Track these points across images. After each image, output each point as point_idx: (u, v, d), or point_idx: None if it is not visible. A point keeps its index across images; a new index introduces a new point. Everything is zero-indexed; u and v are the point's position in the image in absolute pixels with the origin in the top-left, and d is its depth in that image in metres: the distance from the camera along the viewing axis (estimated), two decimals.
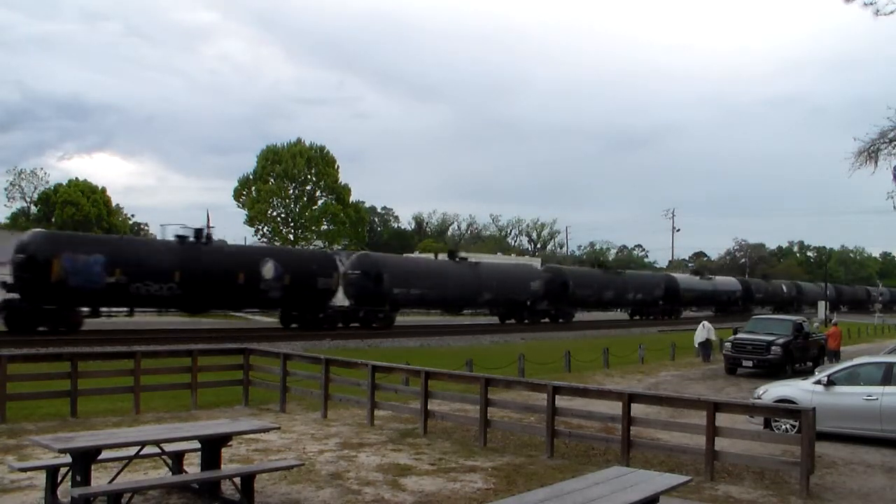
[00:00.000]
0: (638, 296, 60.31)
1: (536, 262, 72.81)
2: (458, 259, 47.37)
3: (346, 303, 39.66)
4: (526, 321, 48.73)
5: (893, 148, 18.39)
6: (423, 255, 64.72)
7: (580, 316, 56.74)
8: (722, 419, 10.12)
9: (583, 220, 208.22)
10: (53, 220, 64.38)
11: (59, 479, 7.47)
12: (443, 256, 53.00)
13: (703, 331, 27.95)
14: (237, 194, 72.73)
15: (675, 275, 67.68)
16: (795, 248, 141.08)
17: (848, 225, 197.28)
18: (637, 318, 61.29)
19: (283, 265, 35.16)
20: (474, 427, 11.65)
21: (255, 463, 9.49)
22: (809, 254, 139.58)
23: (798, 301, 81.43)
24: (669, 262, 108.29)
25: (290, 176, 70.83)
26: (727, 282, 73.90)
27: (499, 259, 70.67)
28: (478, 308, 52.03)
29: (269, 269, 34.44)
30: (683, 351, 28.67)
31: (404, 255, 62.66)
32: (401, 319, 43.18)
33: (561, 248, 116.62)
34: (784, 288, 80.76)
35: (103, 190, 71.15)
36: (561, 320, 52.04)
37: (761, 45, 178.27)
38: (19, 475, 8.33)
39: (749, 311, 66.34)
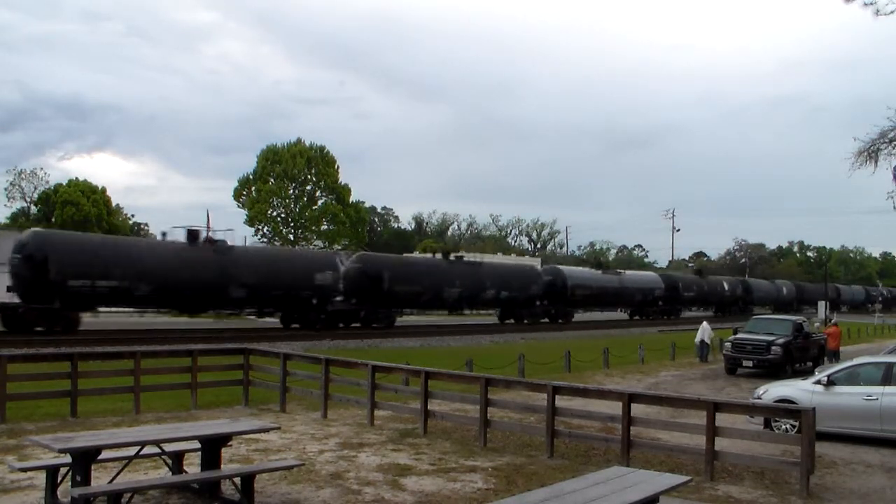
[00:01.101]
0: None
1: (536, 262, 72.81)
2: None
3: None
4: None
5: (893, 148, 18.37)
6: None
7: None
8: (722, 419, 10.12)
9: (583, 220, 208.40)
10: (53, 220, 64.36)
11: (59, 479, 7.47)
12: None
13: (702, 331, 28.12)
14: (237, 194, 72.79)
15: (563, 267, 57.34)
16: (795, 248, 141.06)
17: (848, 225, 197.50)
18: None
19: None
20: (474, 427, 11.65)
21: (255, 463, 9.50)
22: (809, 254, 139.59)
23: (745, 301, 74.03)
24: (669, 262, 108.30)
25: (290, 176, 70.88)
26: (644, 278, 64.62)
27: (499, 259, 70.55)
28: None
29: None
30: (683, 351, 28.69)
31: (403, 255, 62.55)
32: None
33: (561, 248, 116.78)
34: (726, 285, 72.50)
35: (103, 190, 71.14)
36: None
37: (762, 45, 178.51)
38: (19, 475, 8.33)
39: (676, 312, 63.83)
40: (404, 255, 63.20)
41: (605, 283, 56.93)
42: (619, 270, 64.15)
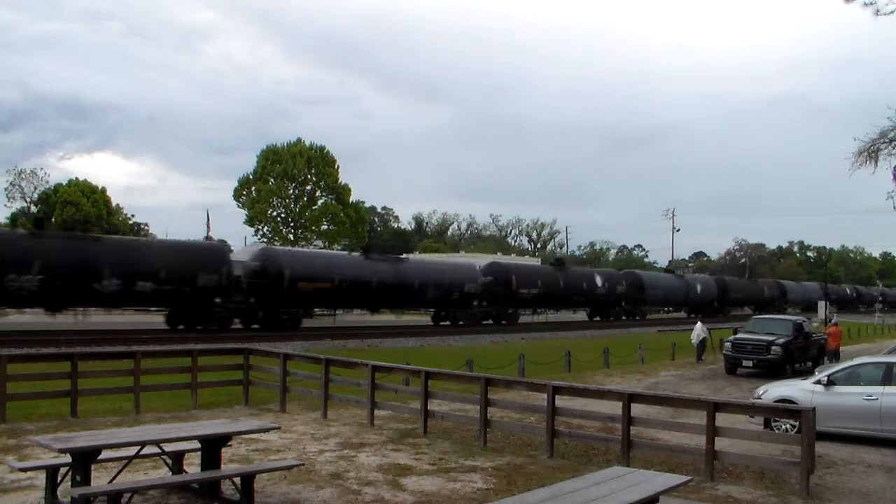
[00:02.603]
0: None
1: (537, 262, 72.28)
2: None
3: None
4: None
5: (893, 148, 18.37)
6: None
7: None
8: (722, 419, 10.11)
9: (583, 220, 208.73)
10: (53, 220, 64.36)
11: (59, 479, 7.46)
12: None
13: (698, 331, 28.22)
14: (237, 194, 72.75)
15: (510, 263, 55.24)
16: (795, 248, 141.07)
17: (848, 225, 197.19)
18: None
19: None
20: (474, 427, 11.64)
21: (255, 463, 9.49)
22: (809, 254, 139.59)
23: (690, 301, 66.70)
24: (669, 262, 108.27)
25: (290, 176, 70.85)
26: (591, 272, 57.49)
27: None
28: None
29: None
30: (683, 351, 28.69)
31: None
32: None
33: (561, 248, 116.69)
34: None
35: (103, 190, 71.19)
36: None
37: (762, 45, 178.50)
38: (19, 475, 8.33)
39: (638, 313, 58.75)
40: (317, 250, 58.32)
41: (558, 282, 50.39)
42: (580, 268, 60.99)
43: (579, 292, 52.58)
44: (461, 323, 44.02)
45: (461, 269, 47.11)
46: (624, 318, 56.81)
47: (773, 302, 73.83)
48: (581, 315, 60.22)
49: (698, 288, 66.30)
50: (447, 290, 43.51)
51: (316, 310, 40.82)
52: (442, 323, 44.69)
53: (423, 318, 50.71)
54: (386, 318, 52.52)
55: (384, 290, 40.25)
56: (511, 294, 46.25)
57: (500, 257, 74.11)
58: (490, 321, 46.22)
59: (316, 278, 36.63)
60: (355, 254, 45.22)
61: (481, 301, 46.07)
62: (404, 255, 48.32)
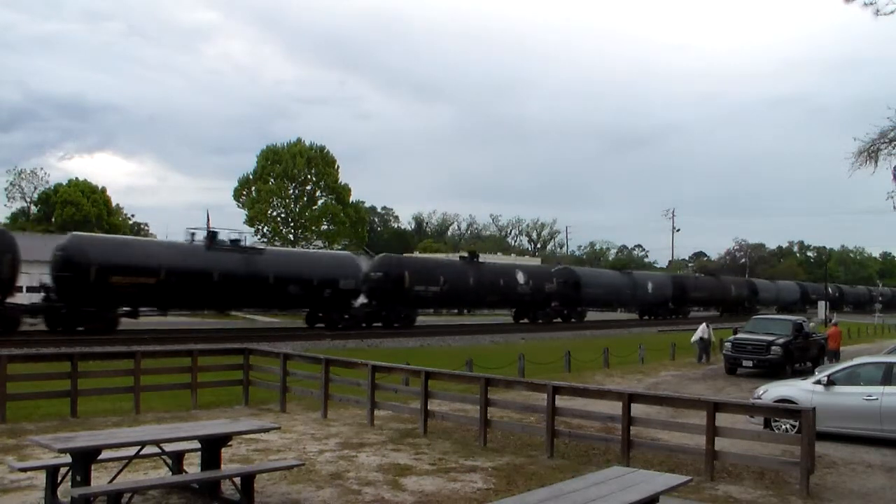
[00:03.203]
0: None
1: (537, 262, 72.50)
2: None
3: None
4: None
5: (893, 148, 18.37)
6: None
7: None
8: (722, 419, 10.11)
9: (583, 220, 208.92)
10: (53, 220, 64.38)
11: (59, 479, 7.46)
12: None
13: (700, 331, 28.12)
14: (237, 194, 72.71)
15: (403, 258, 50.15)
16: (795, 249, 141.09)
17: (848, 225, 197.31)
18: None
19: None
20: (474, 427, 11.64)
21: (255, 463, 9.49)
22: (809, 254, 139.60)
23: (640, 301, 61.72)
24: (669, 262, 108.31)
25: (290, 176, 70.79)
26: (508, 266, 52.85)
27: (511, 260, 68.86)
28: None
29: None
30: (683, 351, 28.68)
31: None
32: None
33: (561, 248, 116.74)
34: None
35: (103, 190, 71.28)
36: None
37: (762, 45, 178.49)
38: (19, 475, 8.33)
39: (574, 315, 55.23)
40: (127, 236, 51.24)
41: (467, 278, 45.46)
42: (499, 263, 57.65)
43: (495, 290, 46.85)
44: (340, 326, 38.14)
45: (336, 263, 40.87)
46: (557, 319, 51.43)
47: (741, 302, 70.90)
48: (505, 317, 54.25)
49: (649, 286, 60.90)
50: (316, 286, 37.60)
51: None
52: (317, 325, 38.81)
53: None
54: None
55: (230, 286, 34.06)
56: (404, 292, 40.69)
57: (499, 257, 74.31)
58: (380, 323, 40.21)
59: (135, 272, 31.41)
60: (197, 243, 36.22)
61: (370, 300, 41.31)
62: (262, 247, 42.75)
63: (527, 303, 49.90)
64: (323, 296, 37.93)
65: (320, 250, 55.17)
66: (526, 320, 50.15)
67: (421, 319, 44.22)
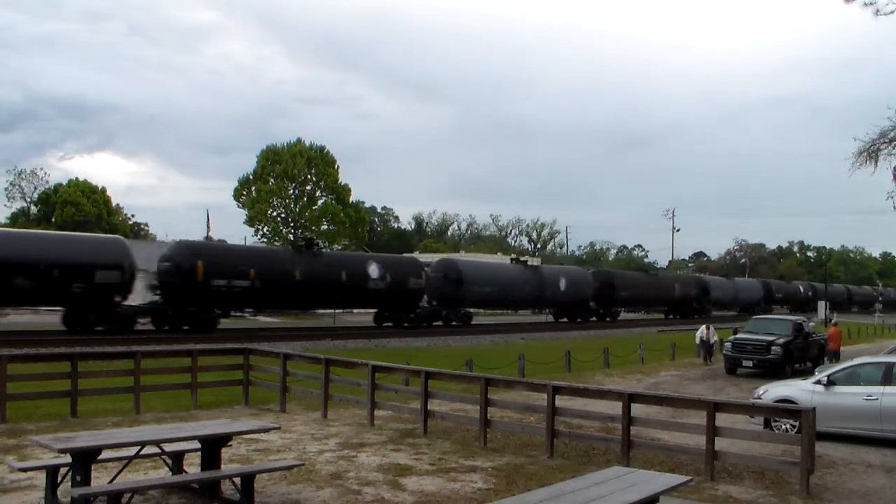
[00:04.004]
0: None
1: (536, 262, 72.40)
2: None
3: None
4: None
5: (893, 148, 18.37)
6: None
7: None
8: (722, 419, 10.12)
9: (583, 220, 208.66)
10: (53, 220, 64.39)
11: (59, 479, 7.46)
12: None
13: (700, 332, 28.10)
14: (237, 194, 72.69)
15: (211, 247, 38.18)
16: (795, 249, 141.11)
17: (848, 225, 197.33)
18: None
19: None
20: (474, 427, 11.64)
21: (255, 463, 9.49)
22: (809, 254, 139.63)
23: (549, 300, 52.33)
24: (669, 262, 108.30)
25: (290, 176, 70.77)
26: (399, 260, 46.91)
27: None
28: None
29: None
30: (683, 351, 28.68)
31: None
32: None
33: (561, 248, 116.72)
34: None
35: (103, 190, 71.34)
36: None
37: (762, 45, 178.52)
38: (19, 475, 8.33)
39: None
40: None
41: (291, 272, 36.12)
42: (345, 253, 54.46)
43: (333, 285, 37.95)
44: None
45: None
46: (428, 324, 42.04)
47: (688, 303, 65.93)
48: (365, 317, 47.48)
49: (562, 283, 50.87)
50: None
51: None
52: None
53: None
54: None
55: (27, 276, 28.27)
56: (196, 286, 32.38)
57: (501, 256, 74.41)
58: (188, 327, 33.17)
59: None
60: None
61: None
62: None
63: (383, 301, 41.36)
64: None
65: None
66: (389, 323, 41.81)
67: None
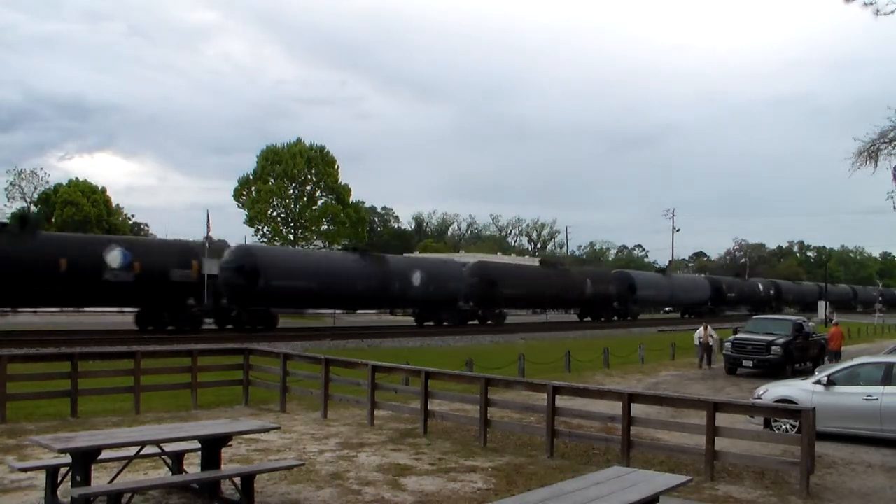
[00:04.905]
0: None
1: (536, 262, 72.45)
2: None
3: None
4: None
5: (893, 148, 18.39)
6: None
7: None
8: (722, 419, 10.11)
9: (583, 220, 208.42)
10: (53, 220, 64.36)
11: (59, 479, 7.46)
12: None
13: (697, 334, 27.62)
14: (237, 194, 72.67)
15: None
16: (795, 249, 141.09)
17: (848, 225, 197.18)
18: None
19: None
20: (474, 427, 11.64)
21: (255, 463, 9.49)
22: (809, 254, 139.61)
23: (398, 298, 43.07)
24: (669, 262, 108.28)
25: (290, 176, 70.77)
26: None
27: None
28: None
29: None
30: (683, 351, 28.65)
31: None
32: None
33: (561, 248, 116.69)
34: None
35: (103, 190, 71.21)
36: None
37: (762, 45, 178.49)
38: (19, 475, 8.33)
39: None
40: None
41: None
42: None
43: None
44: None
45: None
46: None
47: (605, 302, 56.78)
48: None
49: (416, 278, 41.27)
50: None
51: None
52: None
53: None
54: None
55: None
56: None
57: (527, 260, 74.63)
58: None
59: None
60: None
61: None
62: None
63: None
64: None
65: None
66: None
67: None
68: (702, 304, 69.78)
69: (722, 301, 72.20)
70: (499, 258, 74.10)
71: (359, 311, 52.03)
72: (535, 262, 69.49)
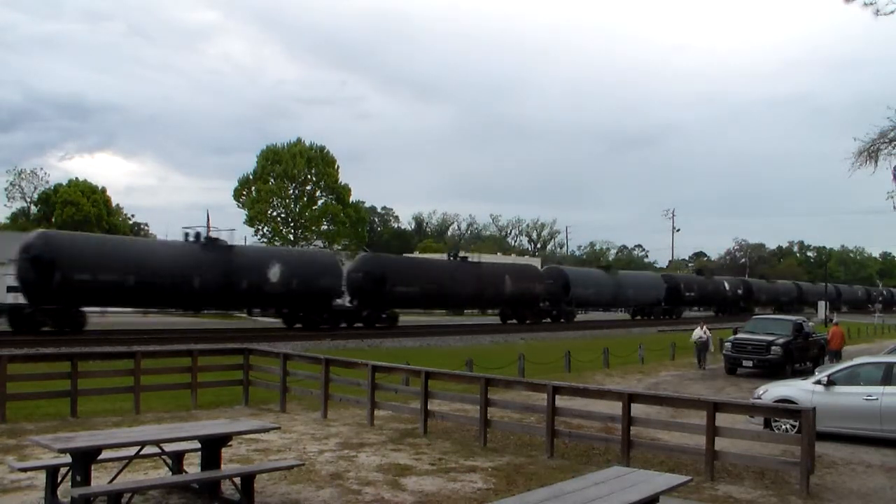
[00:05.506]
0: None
1: (537, 262, 72.64)
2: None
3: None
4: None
5: (893, 148, 18.40)
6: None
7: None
8: (722, 419, 10.11)
9: (583, 220, 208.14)
10: (53, 220, 64.36)
11: (59, 479, 7.46)
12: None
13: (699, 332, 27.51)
14: (237, 194, 72.68)
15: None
16: (795, 248, 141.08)
17: (848, 225, 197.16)
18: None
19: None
20: (474, 427, 11.64)
21: (255, 463, 9.49)
22: (809, 254, 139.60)
23: (240, 295, 37.11)
24: (669, 262, 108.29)
25: (290, 176, 70.78)
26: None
27: (501, 259, 70.16)
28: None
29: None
30: (683, 351, 28.63)
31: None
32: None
33: (561, 248, 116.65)
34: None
35: (103, 190, 71.20)
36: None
37: (762, 45, 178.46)
38: (19, 475, 8.33)
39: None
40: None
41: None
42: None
43: (479, 292, 47.62)
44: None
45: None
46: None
47: (527, 303, 50.20)
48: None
49: (273, 272, 36.14)
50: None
51: None
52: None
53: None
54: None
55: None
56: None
57: (527, 260, 74.64)
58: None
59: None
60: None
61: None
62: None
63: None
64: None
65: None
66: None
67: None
68: (655, 304, 64.22)
69: (679, 301, 66.00)
70: (499, 258, 73.43)
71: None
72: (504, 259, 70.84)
